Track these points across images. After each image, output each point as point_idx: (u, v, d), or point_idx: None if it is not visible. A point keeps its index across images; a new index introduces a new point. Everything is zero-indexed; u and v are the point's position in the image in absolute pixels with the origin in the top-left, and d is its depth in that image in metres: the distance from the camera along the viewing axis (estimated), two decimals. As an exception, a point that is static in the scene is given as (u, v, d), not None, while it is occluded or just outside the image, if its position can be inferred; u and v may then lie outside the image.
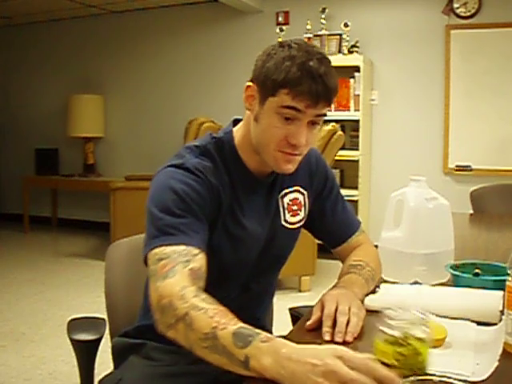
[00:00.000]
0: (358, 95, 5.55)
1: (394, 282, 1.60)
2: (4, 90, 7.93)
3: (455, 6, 5.50)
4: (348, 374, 0.94)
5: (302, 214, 1.62)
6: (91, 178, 6.82)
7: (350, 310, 1.31)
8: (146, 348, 1.55)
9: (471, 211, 3.31)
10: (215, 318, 1.13)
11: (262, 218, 1.55)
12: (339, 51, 5.76)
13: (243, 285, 1.58)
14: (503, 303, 1.23)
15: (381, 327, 1.07)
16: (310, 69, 1.34)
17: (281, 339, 1.08)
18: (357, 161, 5.54)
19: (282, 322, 1.98)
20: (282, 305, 1.99)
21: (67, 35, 7.42)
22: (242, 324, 1.12)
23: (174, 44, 6.78)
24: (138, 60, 6.99)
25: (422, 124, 5.70)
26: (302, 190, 1.62)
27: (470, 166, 5.50)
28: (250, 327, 1.11)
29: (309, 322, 1.32)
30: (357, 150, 5.55)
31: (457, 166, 5.56)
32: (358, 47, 5.67)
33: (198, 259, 1.30)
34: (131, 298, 1.72)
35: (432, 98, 5.64)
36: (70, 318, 1.71)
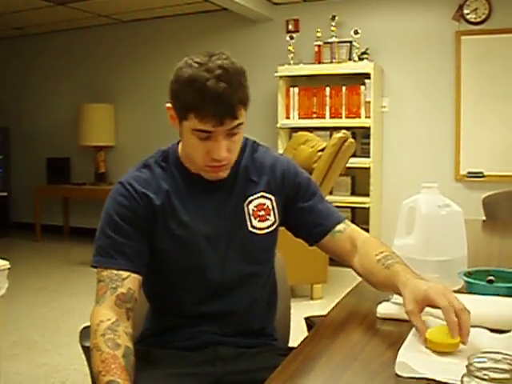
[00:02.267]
0: (369, 102, 5.55)
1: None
2: (16, 100, 7.98)
3: (465, 11, 5.49)
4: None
5: (271, 219, 1.63)
6: (102, 187, 6.84)
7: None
8: (151, 352, 1.59)
9: (483, 218, 3.29)
10: (103, 364, 1.32)
11: (213, 219, 1.58)
12: (349, 58, 5.76)
13: (219, 292, 1.60)
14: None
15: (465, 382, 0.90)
16: (209, 91, 1.42)
17: None
18: (368, 168, 5.53)
19: (295, 331, 1.97)
20: (294, 313, 1.98)
21: (78, 45, 7.46)
22: (115, 378, 1.28)
23: (184, 53, 6.70)
24: (147, 69, 7.02)
25: (433, 131, 5.68)
26: (267, 195, 1.64)
27: (481, 173, 5.48)
28: (122, 381, 1.28)
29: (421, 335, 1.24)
30: (368, 157, 5.54)
31: (468, 173, 5.53)
32: (368, 54, 5.68)
33: (126, 283, 1.46)
34: (142, 304, 1.71)
35: (443, 105, 5.62)
36: (82, 326, 1.71)
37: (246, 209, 1.61)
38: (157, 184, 1.57)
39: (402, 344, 1.20)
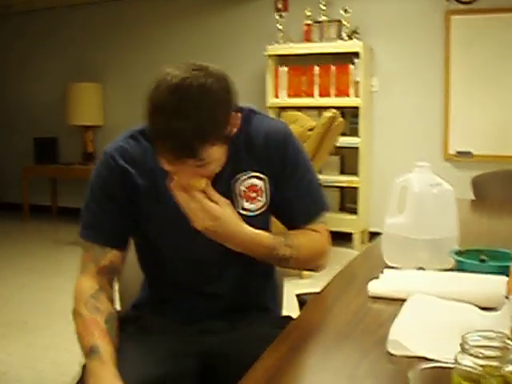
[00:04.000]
0: (358, 82, 5.53)
1: (397, 268, 1.60)
2: (3, 78, 7.89)
3: (455, -10, 5.46)
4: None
5: (263, 200, 1.56)
6: (90, 167, 6.75)
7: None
8: (144, 318, 1.63)
9: (472, 197, 3.30)
10: (85, 330, 1.39)
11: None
12: (339, 37, 5.72)
13: (211, 274, 1.59)
14: (507, 288, 1.23)
15: (459, 359, 0.89)
16: (169, 127, 1.31)
17: (106, 369, 1.31)
18: (357, 147, 5.53)
19: (286, 308, 1.98)
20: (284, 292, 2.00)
21: (65, 23, 7.37)
22: (96, 342, 1.36)
23: (173, 32, 6.75)
24: (135, 48, 6.96)
25: (422, 110, 5.67)
26: (261, 175, 1.55)
27: (470, 153, 5.49)
28: (103, 346, 1.35)
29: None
30: (357, 136, 5.53)
31: (457, 152, 5.54)
32: (357, 33, 5.64)
33: (109, 256, 1.51)
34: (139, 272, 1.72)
35: (432, 85, 5.61)
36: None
37: (233, 188, 1.53)
38: (142, 160, 1.53)
39: (393, 322, 1.20)
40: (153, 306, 1.66)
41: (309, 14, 5.85)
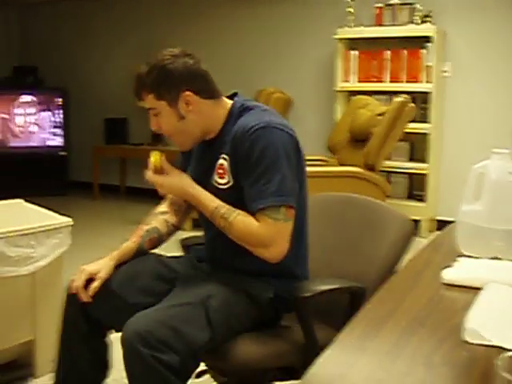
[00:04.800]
0: (430, 67, 5.42)
1: (472, 257, 1.57)
2: (74, 62, 8.06)
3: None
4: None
5: (227, 178, 1.90)
6: (159, 147, 6.86)
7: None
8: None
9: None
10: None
11: (199, 170, 2.02)
12: (411, 21, 5.61)
13: (209, 228, 2.02)
14: None
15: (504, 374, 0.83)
16: (135, 74, 1.94)
17: (116, 252, 2.05)
18: (427, 134, 5.42)
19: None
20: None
21: (135, 6, 7.47)
22: (129, 239, 2.09)
23: (243, 14, 6.75)
24: (205, 30, 6.99)
25: (495, 97, 5.51)
26: (226, 156, 1.90)
27: (545, 141, 5.33)
28: (126, 244, 2.07)
29: None
30: (427, 122, 5.43)
31: (532, 141, 5.38)
32: (430, 17, 5.51)
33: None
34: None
35: (509, 71, 5.45)
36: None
37: (214, 166, 1.93)
38: None
39: (468, 310, 1.18)
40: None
41: (381, -3, 5.76)
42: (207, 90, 1.96)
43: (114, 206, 7.17)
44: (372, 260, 1.91)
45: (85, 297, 1.93)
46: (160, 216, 2.13)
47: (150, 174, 1.95)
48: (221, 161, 1.91)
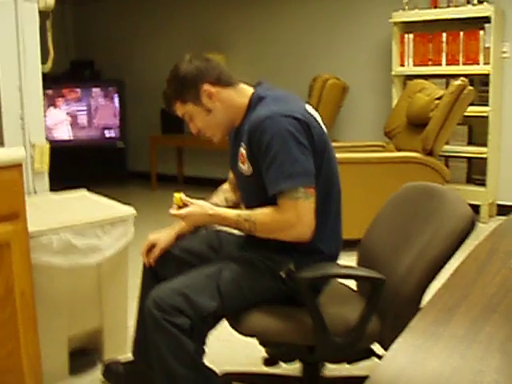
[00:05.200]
0: (488, 48, 5.31)
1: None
2: (132, 53, 8.18)
3: None
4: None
5: (246, 165, 2.08)
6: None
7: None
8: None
9: None
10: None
11: (233, 160, 2.21)
12: (468, 2, 5.50)
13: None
14: None
15: None
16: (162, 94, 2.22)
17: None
18: (486, 117, 5.32)
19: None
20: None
21: (191, -4, 7.54)
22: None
23: (296, 3, 6.73)
24: (260, 18, 6.99)
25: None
26: (244, 145, 2.07)
27: None
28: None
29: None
30: (486, 105, 5.32)
31: None
32: (488, -3, 5.41)
33: (230, 173, 2.42)
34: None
35: None
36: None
37: (238, 153, 2.11)
38: None
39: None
40: None
41: (436, -22, 5.66)
42: (222, 78, 2.15)
43: (172, 196, 7.25)
44: (423, 252, 1.87)
45: (147, 261, 2.35)
46: (221, 193, 2.43)
47: (173, 211, 2.16)
48: (241, 149, 2.10)
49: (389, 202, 2.29)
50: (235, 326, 2.05)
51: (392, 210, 2.25)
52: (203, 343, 2.01)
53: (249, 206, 2.17)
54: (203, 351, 2.01)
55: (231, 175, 2.43)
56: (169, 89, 2.18)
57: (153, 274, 2.35)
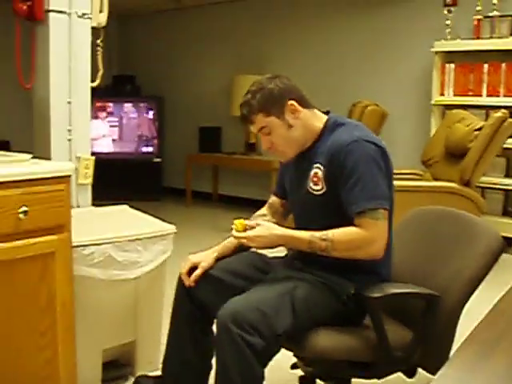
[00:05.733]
0: (529, 81, 5.30)
1: None
2: (170, 71, 8.31)
3: None
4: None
5: (320, 185, 2.15)
6: (252, 157, 7.01)
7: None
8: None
9: None
10: None
11: (297, 181, 2.28)
12: (511, 34, 5.50)
13: (299, 226, 2.25)
14: None
15: None
16: (241, 103, 2.22)
17: (219, 246, 2.43)
18: (524, 149, 5.30)
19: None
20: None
21: (230, 16, 7.64)
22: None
23: (338, 26, 6.79)
24: (301, 41, 7.06)
25: None
26: (320, 166, 2.15)
27: None
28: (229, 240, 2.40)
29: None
30: (525, 138, 5.30)
31: None
32: (531, 29, 5.40)
33: (273, 198, 2.51)
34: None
35: None
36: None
37: (309, 174, 2.17)
38: None
39: None
40: None
41: (479, 8, 5.66)
42: (305, 99, 2.27)
43: (207, 213, 7.33)
44: (458, 273, 2.02)
45: (188, 282, 2.28)
46: (259, 218, 2.39)
47: (240, 233, 2.13)
48: (315, 170, 2.16)
49: (402, 227, 2.45)
50: (298, 346, 2.06)
51: (409, 233, 2.42)
52: (266, 366, 1.99)
53: (308, 228, 2.12)
54: (264, 376, 2.00)
55: (273, 199, 2.51)
56: (253, 99, 2.17)
57: (187, 294, 2.31)
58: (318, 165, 2.16)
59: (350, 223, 2.06)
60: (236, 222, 2.14)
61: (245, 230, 2.12)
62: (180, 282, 2.34)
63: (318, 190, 2.16)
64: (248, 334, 1.88)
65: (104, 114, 7.79)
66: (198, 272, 2.28)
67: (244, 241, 2.12)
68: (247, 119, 2.21)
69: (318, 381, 2.37)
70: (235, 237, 2.15)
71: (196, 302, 2.27)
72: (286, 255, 2.44)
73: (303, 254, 2.17)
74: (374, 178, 2.06)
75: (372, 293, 1.97)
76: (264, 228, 2.10)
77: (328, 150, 2.13)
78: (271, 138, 2.21)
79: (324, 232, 2.05)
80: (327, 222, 2.11)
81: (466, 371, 1.09)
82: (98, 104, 7.61)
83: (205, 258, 2.35)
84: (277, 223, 2.31)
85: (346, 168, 2.06)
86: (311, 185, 2.17)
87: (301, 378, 2.40)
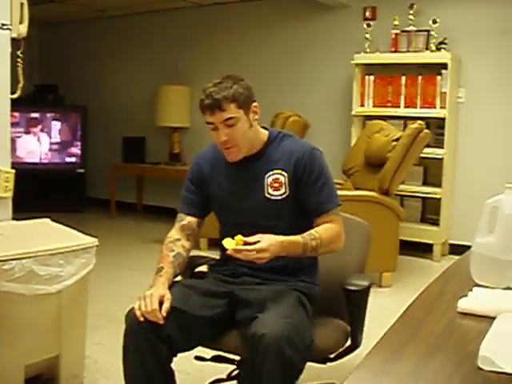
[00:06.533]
0: (445, 93, 5.51)
1: (486, 287, 1.66)
2: (95, 80, 8.20)
3: (549, 3, 5.37)
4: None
5: (282, 190, 2.25)
6: (177, 167, 7.01)
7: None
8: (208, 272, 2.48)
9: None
10: (160, 260, 2.28)
11: (242, 185, 2.32)
12: (426, 48, 5.71)
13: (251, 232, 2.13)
14: None
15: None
16: (205, 91, 2.21)
17: (162, 279, 2.19)
18: (441, 159, 5.50)
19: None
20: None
21: (156, 28, 7.61)
22: (164, 265, 2.24)
23: (261, 37, 6.88)
24: (225, 53, 7.11)
25: (510, 124, 5.59)
26: (283, 172, 2.26)
27: (558, 168, 5.38)
28: (166, 269, 2.23)
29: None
30: (441, 147, 5.51)
31: (545, 168, 5.44)
32: (445, 44, 5.61)
33: (187, 219, 2.39)
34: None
35: (521, 97, 5.53)
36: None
37: (265, 180, 2.26)
38: (211, 159, 2.40)
39: (483, 338, 1.27)
40: (215, 263, 2.48)
41: (397, 23, 5.86)
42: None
43: (131, 224, 7.28)
44: (347, 261, 2.45)
45: (160, 319, 2.03)
46: (177, 242, 2.34)
47: (245, 254, 2.02)
48: (275, 176, 2.27)
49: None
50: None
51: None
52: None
53: (253, 234, 2.08)
54: None
55: (189, 220, 2.40)
56: (230, 88, 2.19)
57: (153, 330, 2.05)
58: (277, 171, 2.26)
59: (300, 223, 2.24)
60: (237, 238, 2.03)
61: (244, 244, 2.03)
62: (135, 327, 2.06)
63: (279, 195, 2.25)
64: (291, 352, 1.85)
65: (24, 125, 7.62)
66: (167, 305, 2.06)
67: (253, 254, 2.01)
68: (218, 105, 2.17)
69: None
70: (244, 256, 2.02)
71: (162, 336, 2.05)
72: (205, 275, 2.44)
73: (250, 268, 2.25)
74: (332, 180, 2.31)
75: (354, 287, 2.20)
76: (267, 238, 2.05)
77: (288, 157, 2.26)
78: (232, 132, 2.20)
79: (308, 232, 2.17)
80: (280, 224, 2.24)
81: (374, 375, 1.16)
82: (18, 114, 7.44)
83: (163, 290, 2.13)
84: (192, 246, 2.39)
85: (313, 172, 2.23)
86: (270, 191, 2.26)
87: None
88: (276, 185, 2.25)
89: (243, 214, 2.31)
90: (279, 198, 2.25)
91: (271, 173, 2.27)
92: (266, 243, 2.02)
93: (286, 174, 2.25)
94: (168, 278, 2.20)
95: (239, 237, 2.04)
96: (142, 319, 2.04)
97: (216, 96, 2.16)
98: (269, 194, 2.26)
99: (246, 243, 2.02)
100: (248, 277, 2.28)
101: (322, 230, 2.19)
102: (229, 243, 2.04)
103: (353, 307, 2.24)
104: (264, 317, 1.96)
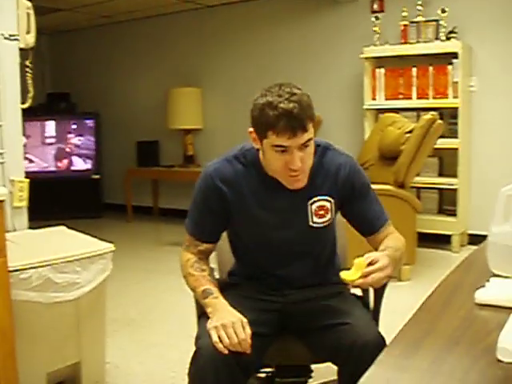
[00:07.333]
0: (457, 82, 5.46)
1: (504, 276, 1.63)
2: (106, 86, 8.25)
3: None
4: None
5: (328, 216, 2.04)
6: (191, 169, 7.02)
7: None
8: (238, 286, 2.15)
9: None
10: (196, 282, 2.00)
11: (281, 213, 2.02)
12: (436, 38, 5.66)
13: (282, 263, 2.08)
14: None
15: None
16: (282, 110, 1.77)
17: (221, 300, 1.91)
18: (456, 149, 5.46)
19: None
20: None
21: (165, 31, 7.63)
22: (208, 286, 1.97)
23: (269, 35, 6.87)
24: (234, 53, 7.12)
25: (524, 110, 5.54)
26: (329, 198, 2.02)
27: None
28: (213, 289, 1.96)
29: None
30: (456, 137, 5.46)
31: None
32: (455, 33, 5.56)
33: (204, 246, 2.08)
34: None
35: (535, 84, 5.47)
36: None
37: (309, 207, 2.01)
38: (233, 181, 2.01)
39: (502, 330, 1.25)
40: (243, 277, 2.19)
41: (405, 14, 5.82)
42: None
43: (148, 228, 7.31)
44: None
45: (248, 348, 1.81)
46: (201, 262, 2.07)
47: (377, 277, 1.77)
48: (320, 203, 2.02)
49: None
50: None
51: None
52: None
53: (289, 266, 2.06)
54: None
55: (205, 247, 2.10)
56: (310, 107, 1.83)
57: (232, 363, 1.81)
58: (322, 197, 2.00)
59: (333, 244, 2.19)
60: (358, 262, 1.77)
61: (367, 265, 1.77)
62: (218, 353, 1.79)
63: (323, 222, 2.04)
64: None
65: (39, 133, 7.67)
66: (249, 331, 1.82)
67: (381, 274, 1.76)
68: (302, 126, 1.80)
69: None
70: (370, 276, 1.75)
71: (242, 364, 1.83)
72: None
73: (290, 282, 2.10)
74: (374, 192, 2.14)
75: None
76: (379, 255, 1.82)
77: (333, 179, 2.01)
78: (304, 156, 1.86)
79: (389, 246, 1.97)
80: (320, 250, 2.13)
81: (392, 370, 1.14)
82: (32, 122, 7.49)
83: (239, 315, 1.86)
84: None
85: (363, 187, 2.05)
86: (315, 219, 2.02)
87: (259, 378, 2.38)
88: (321, 212, 2.02)
89: (281, 243, 2.06)
90: (324, 224, 2.04)
91: (315, 199, 2.01)
92: (386, 259, 1.80)
93: (332, 200, 2.02)
94: (223, 298, 1.94)
95: (361, 260, 1.76)
96: (226, 352, 1.77)
97: (301, 115, 1.78)
98: (314, 222, 2.03)
99: (369, 264, 1.77)
100: (287, 287, 2.11)
101: (394, 241, 2.02)
102: (349, 275, 1.76)
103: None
104: (355, 323, 1.87)
